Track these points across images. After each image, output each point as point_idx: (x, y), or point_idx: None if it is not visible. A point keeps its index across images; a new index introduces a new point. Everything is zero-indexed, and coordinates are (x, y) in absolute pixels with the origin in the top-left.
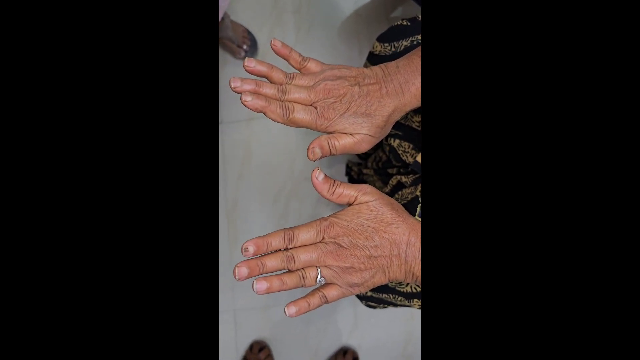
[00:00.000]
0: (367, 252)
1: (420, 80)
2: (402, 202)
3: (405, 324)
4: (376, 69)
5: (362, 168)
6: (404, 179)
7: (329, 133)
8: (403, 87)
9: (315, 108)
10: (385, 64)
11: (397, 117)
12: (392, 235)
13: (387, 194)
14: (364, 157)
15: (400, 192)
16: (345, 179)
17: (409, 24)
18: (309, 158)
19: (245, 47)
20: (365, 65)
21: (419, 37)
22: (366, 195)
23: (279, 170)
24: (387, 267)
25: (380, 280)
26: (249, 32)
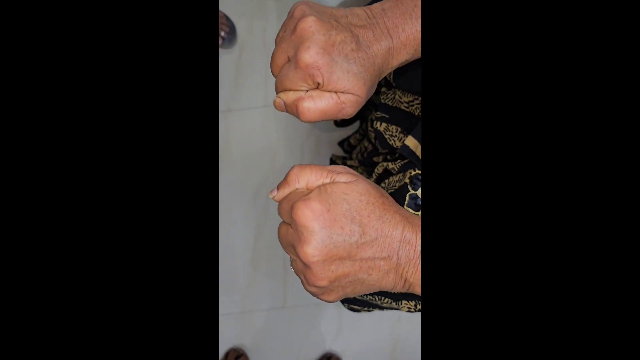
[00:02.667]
0: (347, 250)
1: (413, 26)
2: (389, 191)
3: (392, 327)
4: (358, 10)
5: (347, 160)
6: (390, 165)
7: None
8: (391, 32)
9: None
10: (368, 6)
11: (384, 72)
12: (382, 229)
13: (374, 182)
14: (349, 149)
15: (386, 181)
16: None
17: None
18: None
19: (222, 34)
20: None
21: None
22: (343, 175)
23: (259, 165)
24: (369, 274)
25: (355, 291)
26: (227, 19)
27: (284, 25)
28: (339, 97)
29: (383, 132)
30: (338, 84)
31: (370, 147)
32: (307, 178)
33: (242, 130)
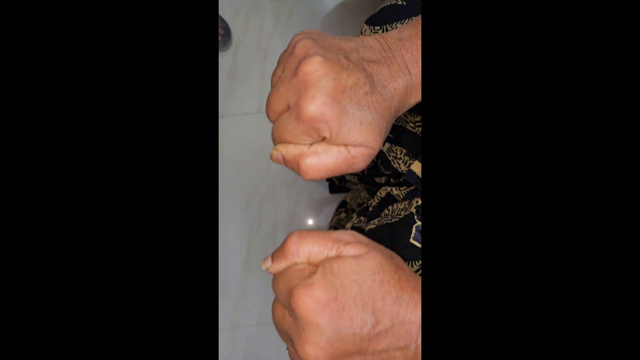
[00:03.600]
0: (358, 343)
1: None
2: (393, 220)
3: None
4: (370, 41)
5: (345, 175)
6: (395, 191)
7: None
8: (410, 67)
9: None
10: (382, 35)
11: (400, 112)
12: (398, 313)
13: (375, 208)
14: None
15: (390, 207)
16: (326, 184)
17: (404, 3)
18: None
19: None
20: None
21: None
22: (351, 247)
23: (253, 170)
24: None
25: None
26: (222, 19)
27: (283, 61)
28: (349, 152)
29: (386, 153)
30: (349, 138)
31: (371, 164)
32: (309, 250)
33: (235, 137)
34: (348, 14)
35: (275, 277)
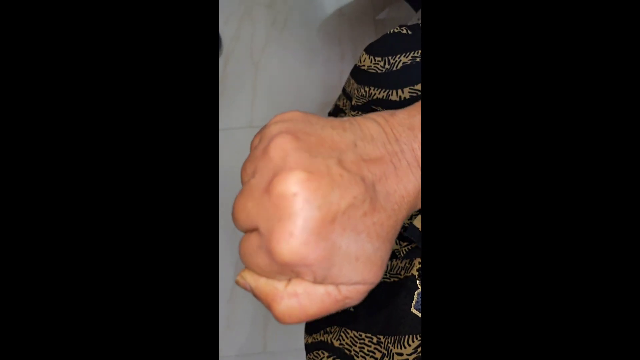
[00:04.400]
0: None
1: None
2: (392, 280)
3: None
4: (372, 127)
5: None
6: (394, 246)
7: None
8: (420, 162)
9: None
10: (387, 116)
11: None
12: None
13: None
14: None
15: (389, 264)
16: None
17: (409, 32)
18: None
19: None
20: (348, 82)
21: None
22: None
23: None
24: None
25: None
26: None
27: (254, 158)
28: (339, 292)
29: None
30: (340, 278)
31: None
32: None
33: (224, 151)
34: (346, 23)
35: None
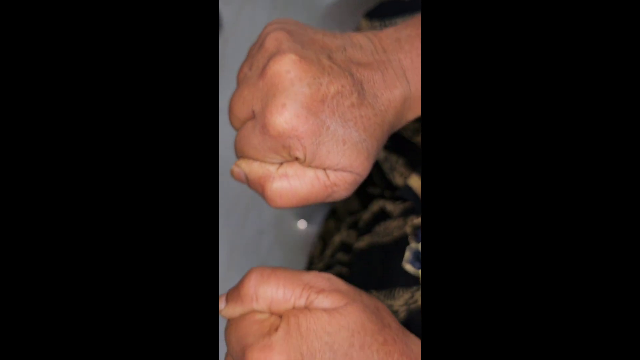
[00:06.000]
0: None
1: None
2: (385, 240)
3: None
4: (361, 39)
5: None
6: (389, 206)
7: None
8: (409, 74)
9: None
10: (375, 32)
11: (395, 129)
12: None
13: (366, 223)
14: None
15: (382, 224)
16: None
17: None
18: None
19: None
20: None
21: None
22: (325, 297)
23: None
24: None
25: None
26: None
27: (251, 56)
28: (327, 177)
29: (381, 163)
30: (328, 160)
31: None
32: (271, 295)
33: (220, 135)
34: (351, 7)
35: (229, 324)
